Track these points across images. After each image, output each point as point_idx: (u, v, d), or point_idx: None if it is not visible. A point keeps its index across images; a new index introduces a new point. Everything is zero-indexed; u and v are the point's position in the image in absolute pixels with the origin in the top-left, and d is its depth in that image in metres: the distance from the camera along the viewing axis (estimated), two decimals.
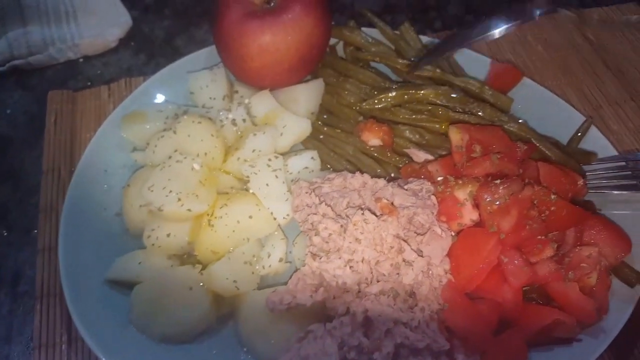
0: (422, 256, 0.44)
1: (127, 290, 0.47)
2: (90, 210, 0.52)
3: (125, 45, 0.72)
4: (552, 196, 0.46)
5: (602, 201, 0.53)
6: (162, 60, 0.71)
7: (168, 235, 0.48)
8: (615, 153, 0.56)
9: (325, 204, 0.45)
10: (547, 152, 0.54)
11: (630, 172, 0.53)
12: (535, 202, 0.45)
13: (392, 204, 0.44)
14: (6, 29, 0.68)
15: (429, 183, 0.48)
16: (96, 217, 0.51)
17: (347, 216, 0.44)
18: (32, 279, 0.52)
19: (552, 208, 0.46)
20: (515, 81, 0.61)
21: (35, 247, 0.54)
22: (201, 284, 0.46)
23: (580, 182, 0.51)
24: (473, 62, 0.62)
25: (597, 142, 0.57)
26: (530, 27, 0.75)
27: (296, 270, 0.47)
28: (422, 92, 0.57)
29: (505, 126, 0.54)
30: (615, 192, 0.52)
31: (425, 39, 0.64)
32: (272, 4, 0.55)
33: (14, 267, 0.54)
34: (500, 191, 0.44)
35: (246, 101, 0.58)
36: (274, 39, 0.53)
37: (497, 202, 0.44)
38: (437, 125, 0.55)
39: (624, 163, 0.54)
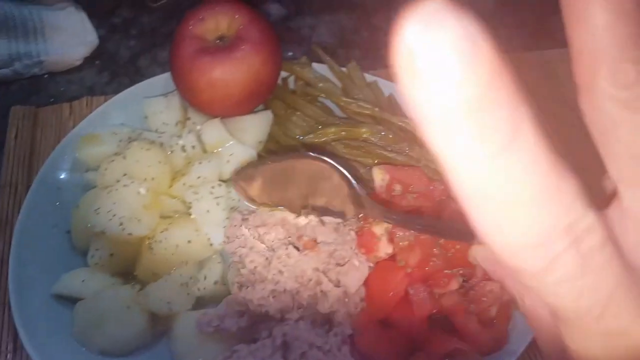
0: (338, 286, 0.49)
1: (72, 304, 0.51)
2: (42, 226, 0.55)
3: (89, 63, 0.76)
4: None
5: None
6: (124, 79, 0.75)
7: (111, 255, 0.52)
8: None
9: (254, 237, 0.50)
10: None
11: None
12: (441, 241, 0.51)
13: (314, 240, 0.50)
14: None
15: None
16: (47, 234, 0.55)
17: (273, 249, 0.49)
18: None
19: (457, 246, 0.51)
20: None
21: None
22: (138, 303, 0.50)
23: None
24: None
25: None
26: None
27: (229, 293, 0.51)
28: (358, 129, 0.62)
29: (430, 165, 0.60)
30: None
31: (370, 77, 0.69)
32: (225, 41, 0.59)
33: None
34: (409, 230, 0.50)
35: (198, 128, 0.62)
36: (223, 75, 0.57)
37: (406, 239, 0.50)
38: (370, 161, 0.61)
39: None
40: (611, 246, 0.14)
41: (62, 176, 0.59)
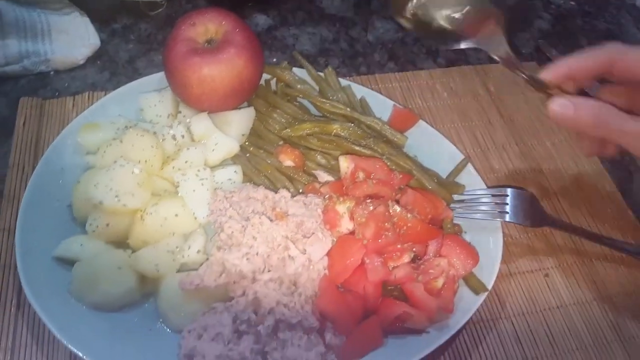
0: (304, 254, 0.59)
1: (71, 266, 0.60)
2: (46, 200, 0.65)
3: (92, 63, 0.87)
4: (408, 215, 0.61)
5: (469, 225, 0.69)
6: (123, 78, 0.86)
7: (107, 225, 0.62)
8: (484, 187, 0.72)
9: (232, 209, 0.60)
10: (424, 182, 0.70)
11: (492, 203, 0.70)
12: (395, 219, 0.61)
13: (285, 212, 0.59)
14: None
15: (319, 198, 0.63)
16: (50, 206, 0.65)
17: (248, 219, 0.59)
18: None
19: (409, 224, 0.61)
20: (412, 123, 0.78)
21: None
22: (129, 265, 0.59)
23: (442, 207, 0.67)
24: (380, 104, 0.79)
25: (471, 177, 0.73)
26: (440, 76, 0.93)
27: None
28: (330, 126, 0.73)
29: (392, 158, 0.70)
30: (477, 218, 0.68)
31: (345, 82, 0.81)
32: (212, 44, 0.70)
33: None
34: (366, 208, 0.60)
35: (187, 120, 0.73)
36: (210, 73, 0.68)
37: (363, 217, 0.60)
38: (339, 153, 0.71)
39: (489, 194, 0.71)
40: None
41: (65, 158, 0.69)
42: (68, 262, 0.61)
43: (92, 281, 0.58)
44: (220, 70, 0.68)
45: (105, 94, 0.78)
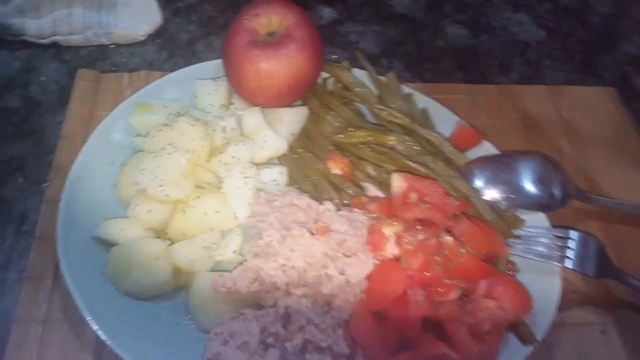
0: (342, 274, 0.56)
1: (109, 248, 0.60)
2: (92, 178, 0.65)
3: (152, 40, 0.86)
4: (462, 250, 0.57)
5: (525, 264, 0.63)
6: (180, 60, 0.85)
7: (149, 211, 0.61)
8: (547, 225, 0.66)
9: (274, 215, 0.58)
10: (482, 212, 0.65)
11: (554, 244, 0.64)
12: (446, 252, 0.57)
13: (327, 227, 0.57)
14: (53, 8, 0.83)
15: (365, 216, 0.60)
16: (96, 185, 0.65)
17: (289, 229, 0.57)
18: (34, 222, 0.66)
19: (461, 260, 0.57)
20: (475, 142, 0.73)
21: (42, 197, 0.67)
22: (165, 256, 0.59)
23: (499, 242, 0.62)
24: (442, 118, 0.74)
25: (533, 212, 0.67)
26: (511, 93, 0.86)
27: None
28: (386, 136, 0.68)
29: (450, 181, 0.66)
30: (536, 259, 0.63)
31: (407, 89, 0.76)
32: (274, 37, 0.67)
33: (22, 210, 0.68)
34: (416, 236, 0.56)
35: (239, 113, 0.71)
36: (269, 68, 0.65)
37: (411, 244, 0.56)
38: (392, 167, 0.67)
39: (551, 235, 0.65)
40: None
41: (115, 136, 0.69)
42: (107, 244, 0.61)
43: (127, 268, 0.58)
44: (279, 66, 0.65)
45: (162, 74, 0.77)
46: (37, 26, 0.82)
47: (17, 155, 0.72)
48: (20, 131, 0.75)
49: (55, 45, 0.83)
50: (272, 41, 0.67)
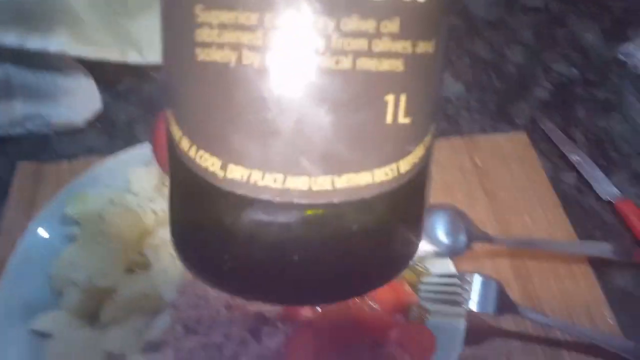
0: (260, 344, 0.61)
1: (47, 339, 0.64)
2: (30, 270, 0.69)
3: (92, 125, 0.92)
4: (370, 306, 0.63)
5: (436, 308, 0.69)
6: (120, 142, 0.90)
7: (80, 301, 0.65)
8: (453, 270, 0.73)
9: (197, 295, 0.63)
10: None
11: (457, 289, 0.70)
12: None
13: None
14: None
15: None
16: (33, 277, 0.69)
17: (210, 305, 0.62)
18: None
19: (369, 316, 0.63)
20: None
21: None
22: (97, 343, 0.63)
23: (409, 294, 0.68)
24: None
25: (441, 259, 0.74)
26: None
27: None
28: None
29: None
30: (440, 304, 0.69)
31: None
32: None
33: None
34: None
35: None
36: None
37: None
38: None
39: (456, 280, 0.72)
40: None
41: (53, 228, 0.73)
42: (45, 335, 0.64)
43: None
44: None
45: (101, 159, 0.82)
46: None
47: None
48: None
49: None
50: None
